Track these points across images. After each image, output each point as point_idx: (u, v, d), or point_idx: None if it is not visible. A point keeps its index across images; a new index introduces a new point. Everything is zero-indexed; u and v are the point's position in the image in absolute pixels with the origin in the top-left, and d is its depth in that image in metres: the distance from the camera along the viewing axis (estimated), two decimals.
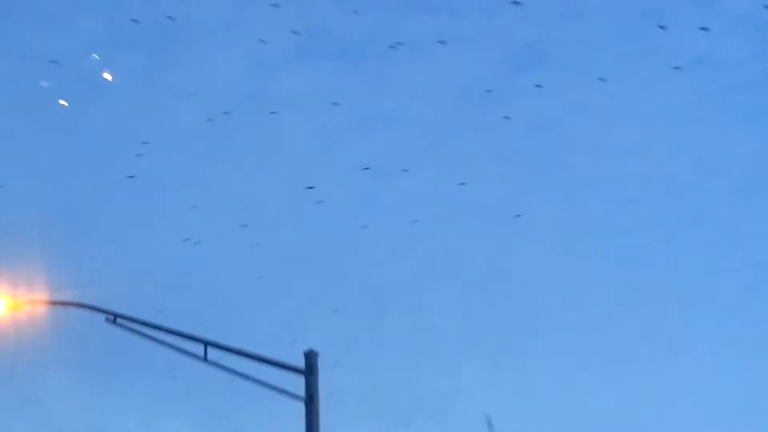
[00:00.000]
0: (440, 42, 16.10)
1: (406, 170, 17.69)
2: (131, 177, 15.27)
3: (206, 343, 7.43)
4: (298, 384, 7.29)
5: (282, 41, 18.44)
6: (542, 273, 20.32)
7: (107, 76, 13.57)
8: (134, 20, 15.52)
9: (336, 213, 18.34)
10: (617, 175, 20.44)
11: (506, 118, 15.99)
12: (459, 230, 20.01)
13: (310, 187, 15.77)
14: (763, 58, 20.66)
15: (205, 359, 7.43)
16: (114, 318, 7.70)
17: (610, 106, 19.87)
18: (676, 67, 17.60)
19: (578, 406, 17.20)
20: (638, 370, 19.42)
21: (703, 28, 16.03)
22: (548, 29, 20.18)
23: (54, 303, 8.01)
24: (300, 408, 7.10)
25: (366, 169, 16.62)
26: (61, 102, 14.22)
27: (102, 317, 7.77)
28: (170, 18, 16.28)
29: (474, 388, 16.22)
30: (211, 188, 18.54)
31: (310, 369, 7.01)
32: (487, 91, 17.94)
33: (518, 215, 17.97)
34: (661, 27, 16.02)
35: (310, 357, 7.08)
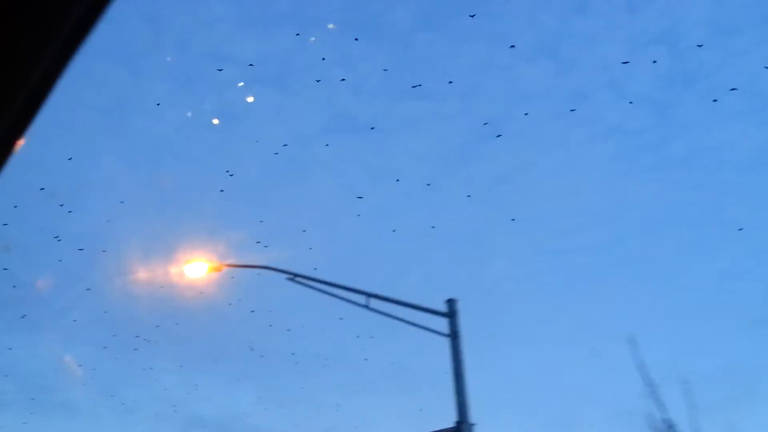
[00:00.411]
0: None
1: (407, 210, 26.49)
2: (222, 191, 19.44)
3: (369, 295, 9.97)
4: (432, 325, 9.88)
5: (314, 121, 27.10)
6: (506, 282, 30.25)
7: (250, 99, 17.11)
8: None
9: (358, 240, 27.60)
10: (557, 211, 29.10)
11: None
12: (445, 253, 29.06)
13: (360, 197, 24.29)
14: (660, 127, 29.08)
15: (367, 307, 9.96)
16: (294, 277, 10.23)
17: (551, 163, 28.53)
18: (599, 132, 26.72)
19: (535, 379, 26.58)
20: (580, 352, 29.04)
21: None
22: (504, 109, 28.52)
23: (246, 266, 10.53)
24: (442, 342, 9.66)
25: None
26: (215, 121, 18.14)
27: (284, 277, 10.32)
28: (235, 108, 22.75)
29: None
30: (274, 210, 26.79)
31: (452, 312, 9.57)
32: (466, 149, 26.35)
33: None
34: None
35: (451, 303, 9.64)
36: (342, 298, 10.13)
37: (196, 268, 10.41)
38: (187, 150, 25.76)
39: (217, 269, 10.45)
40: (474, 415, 9.35)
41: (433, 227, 24.46)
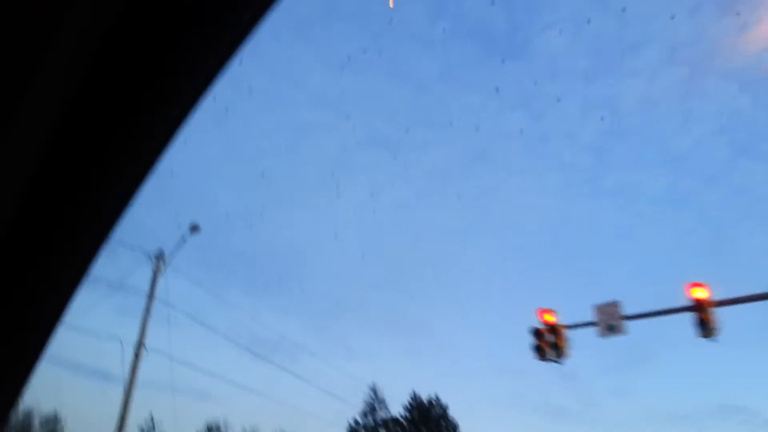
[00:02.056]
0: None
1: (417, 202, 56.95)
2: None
3: None
4: None
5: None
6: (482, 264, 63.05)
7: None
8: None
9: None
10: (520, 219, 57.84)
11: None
12: (440, 244, 58.16)
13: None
14: (597, 166, 40.92)
15: None
16: None
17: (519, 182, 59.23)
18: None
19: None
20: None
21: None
22: (491, 143, 53.46)
23: None
24: None
25: None
26: None
27: None
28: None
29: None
30: None
31: None
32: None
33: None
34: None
35: None
36: None
37: None
38: None
39: None
40: None
41: None
